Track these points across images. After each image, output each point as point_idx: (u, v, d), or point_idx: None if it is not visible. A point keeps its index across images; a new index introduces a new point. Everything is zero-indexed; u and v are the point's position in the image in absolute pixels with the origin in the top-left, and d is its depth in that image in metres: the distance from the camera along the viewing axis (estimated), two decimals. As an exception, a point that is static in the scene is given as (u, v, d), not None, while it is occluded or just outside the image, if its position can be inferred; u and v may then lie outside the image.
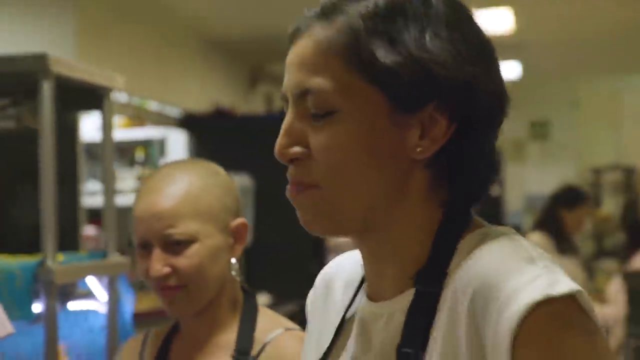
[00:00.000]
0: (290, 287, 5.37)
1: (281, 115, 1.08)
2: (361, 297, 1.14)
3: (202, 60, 6.60)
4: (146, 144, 6.02)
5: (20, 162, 3.65)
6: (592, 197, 6.02)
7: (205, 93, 6.53)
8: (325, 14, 1.05)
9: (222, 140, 5.82)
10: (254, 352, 1.77)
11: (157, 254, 1.75)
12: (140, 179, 5.94)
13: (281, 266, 5.54)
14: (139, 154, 6.00)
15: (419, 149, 1.03)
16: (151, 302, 4.11)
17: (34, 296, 2.24)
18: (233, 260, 1.82)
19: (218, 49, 6.86)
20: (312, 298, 1.26)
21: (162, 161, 5.98)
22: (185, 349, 1.84)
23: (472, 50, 1.04)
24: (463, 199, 1.06)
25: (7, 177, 3.71)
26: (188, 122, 6.05)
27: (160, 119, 5.93)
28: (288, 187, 1.08)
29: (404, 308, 1.04)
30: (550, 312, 0.94)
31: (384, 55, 1.01)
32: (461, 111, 1.03)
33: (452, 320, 1.00)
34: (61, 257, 2.41)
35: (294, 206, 1.09)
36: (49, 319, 2.25)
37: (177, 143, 6.02)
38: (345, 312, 1.16)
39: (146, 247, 1.77)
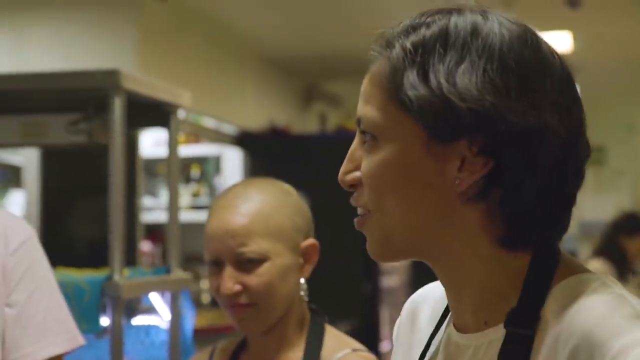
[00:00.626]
0: (343, 307, 5.36)
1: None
2: (447, 325, 1.15)
3: (258, 78, 6.63)
4: (201, 161, 6.06)
5: (78, 178, 3.70)
6: None
7: (261, 111, 6.56)
8: (383, 46, 1.09)
9: (276, 159, 5.84)
10: (320, 371, 1.77)
11: (228, 271, 1.76)
12: (194, 196, 5.98)
13: (334, 286, 5.53)
14: (195, 171, 6.03)
15: (457, 181, 1.04)
16: (209, 318, 4.12)
17: (101, 310, 2.26)
18: (302, 281, 1.83)
19: (274, 67, 6.90)
20: (398, 324, 1.26)
21: (217, 179, 6.01)
22: (252, 366, 1.85)
23: (510, 83, 1.02)
24: (520, 237, 1.05)
25: (62, 192, 3.76)
26: (243, 140, 6.08)
27: (216, 136, 5.96)
28: (355, 219, 1.12)
29: (491, 343, 1.05)
30: None
31: (411, 87, 1.03)
32: (491, 145, 1.02)
33: None
34: (127, 272, 2.42)
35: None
36: (115, 334, 2.26)
37: (233, 161, 6.05)
38: (431, 339, 1.17)
39: (218, 265, 1.79)
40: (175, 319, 2.57)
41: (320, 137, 6.37)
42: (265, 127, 6.30)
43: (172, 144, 2.66)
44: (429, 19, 1.07)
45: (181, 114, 4.94)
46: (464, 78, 1.02)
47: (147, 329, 2.68)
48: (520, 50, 1.04)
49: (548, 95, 1.04)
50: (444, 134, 1.03)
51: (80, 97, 2.46)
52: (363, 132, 1.09)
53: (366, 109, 1.08)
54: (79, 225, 3.70)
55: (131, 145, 3.51)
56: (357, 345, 1.83)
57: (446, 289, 1.11)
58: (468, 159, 1.03)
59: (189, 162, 5.90)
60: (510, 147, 1.02)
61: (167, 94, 2.60)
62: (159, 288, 2.61)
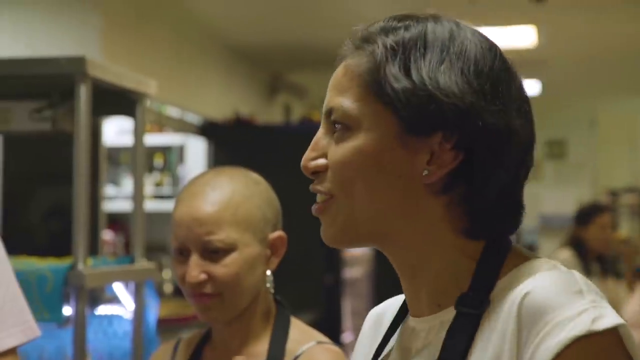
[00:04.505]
0: (305, 298, 5.36)
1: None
2: (405, 320, 1.21)
3: (222, 68, 6.60)
4: (165, 150, 6.02)
5: (40, 165, 3.65)
6: (608, 209, 5.93)
7: (225, 101, 6.53)
8: (360, 43, 1.14)
9: (240, 149, 5.82)
10: (285, 364, 1.76)
11: (194, 260, 1.74)
12: (158, 185, 5.94)
13: (296, 277, 5.54)
14: (158, 160, 5.99)
15: (425, 173, 1.09)
16: (172, 308, 4.10)
17: (64, 299, 2.23)
18: (268, 272, 1.82)
19: (239, 57, 6.87)
20: (361, 333, 1.32)
21: (180, 168, 5.98)
22: (217, 358, 1.83)
23: (485, 86, 1.09)
24: (481, 229, 1.11)
25: (23, 179, 3.71)
26: (207, 129, 6.05)
27: (180, 126, 5.92)
28: (313, 206, 1.15)
29: (442, 323, 1.11)
30: (589, 347, 0.99)
31: (395, 80, 1.09)
32: (465, 141, 1.08)
33: (494, 341, 1.05)
34: (90, 261, 2.40)
35: (314, 220, 1.16)
36: (78, 323, 2.24)
37: (196, 150, 6.02)
38: (390, 332, 1.22)
39: (184, 253, 1.77)
40: (139, 309, 2.55)
41: (285, 128, 6.36)
42: (230, 117, 6.28)
43: (138, 133, 2.64)
44: (407, 23, 1.13)
45: (147, 102, 4.91)
46: (445, 76, 1.08)
47: (110, 318, 2.66)
48: (491, 58, 1.12)
49: (514, 101, 1.12)
50: (420, 127, 1.09)
51: (44, 84, 2.43)
52: (334, 123, 1.13)
53: (341, 100, 1.13)
54: (40, 214, 3.66)
55: (94, 134, 3.47)
56: (322, 338, 1.82)
57: (402, 276, 1.16)
58: (437, 152, 1.09)
59: (152, 151, 5.86)
60: (482, 145, 1.09)
61: (133, 82, 2.58)
62: (123, 278, 2.59)
